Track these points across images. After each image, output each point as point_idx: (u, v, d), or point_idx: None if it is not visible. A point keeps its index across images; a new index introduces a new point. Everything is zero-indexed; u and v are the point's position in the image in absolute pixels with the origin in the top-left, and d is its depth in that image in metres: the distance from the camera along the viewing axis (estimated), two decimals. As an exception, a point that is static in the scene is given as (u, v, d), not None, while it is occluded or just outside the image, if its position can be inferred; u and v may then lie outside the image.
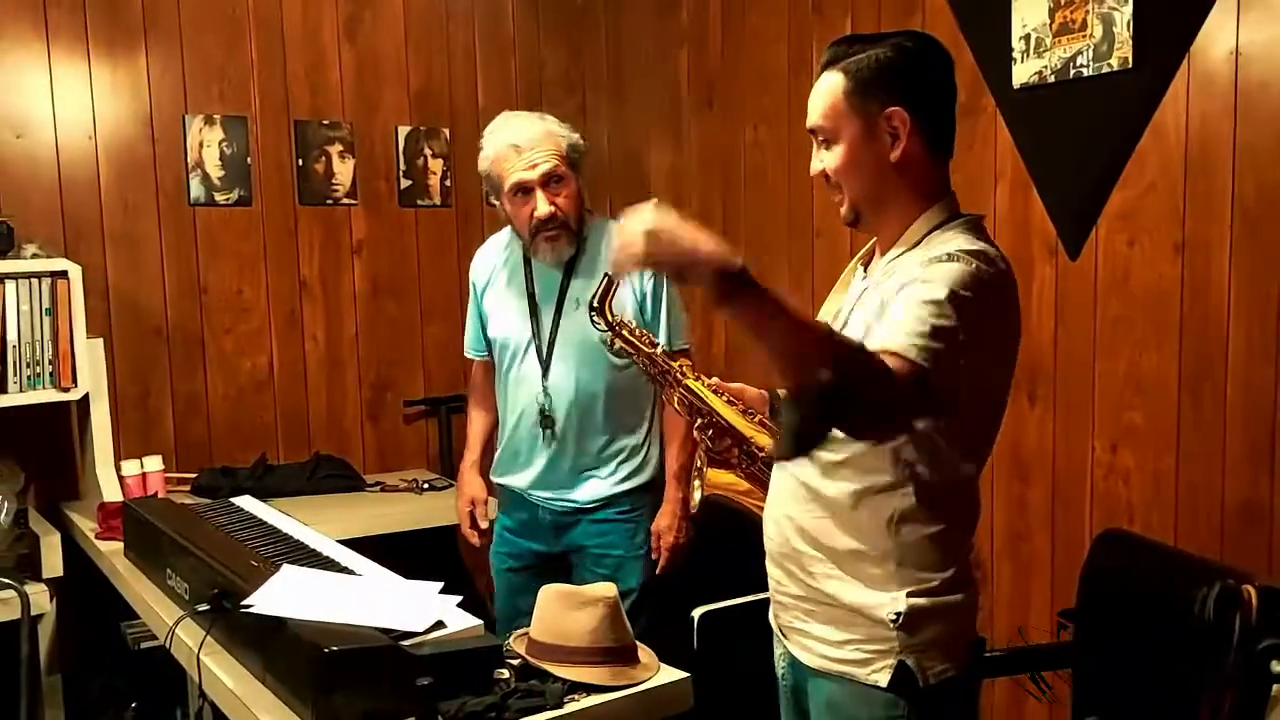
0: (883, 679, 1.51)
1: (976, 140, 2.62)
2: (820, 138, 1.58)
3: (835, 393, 1.31)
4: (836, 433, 1.42)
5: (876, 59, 1.52)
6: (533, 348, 2.51)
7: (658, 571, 2.54)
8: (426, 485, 3.35)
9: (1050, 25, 2.46)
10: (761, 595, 1.73)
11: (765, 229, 3.32)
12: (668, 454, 2.59)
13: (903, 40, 1.55)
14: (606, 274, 1.92)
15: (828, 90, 1.55)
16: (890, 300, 1.46)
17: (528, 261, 2.54)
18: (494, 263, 2.63)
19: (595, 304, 1.93)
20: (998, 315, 1.50)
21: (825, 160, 1.57)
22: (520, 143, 2.39)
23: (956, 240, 1.49)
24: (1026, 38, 2.51)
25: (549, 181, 2.39)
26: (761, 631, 1.76)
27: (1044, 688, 2.24)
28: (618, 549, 2.53)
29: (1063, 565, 2.54)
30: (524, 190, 2.40)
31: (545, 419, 2.49)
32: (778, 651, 1.73)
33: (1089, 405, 2.48)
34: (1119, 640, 2.12)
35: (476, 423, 2.76)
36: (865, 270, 1.65)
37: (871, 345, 1.37)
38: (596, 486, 2.53)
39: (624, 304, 2.47)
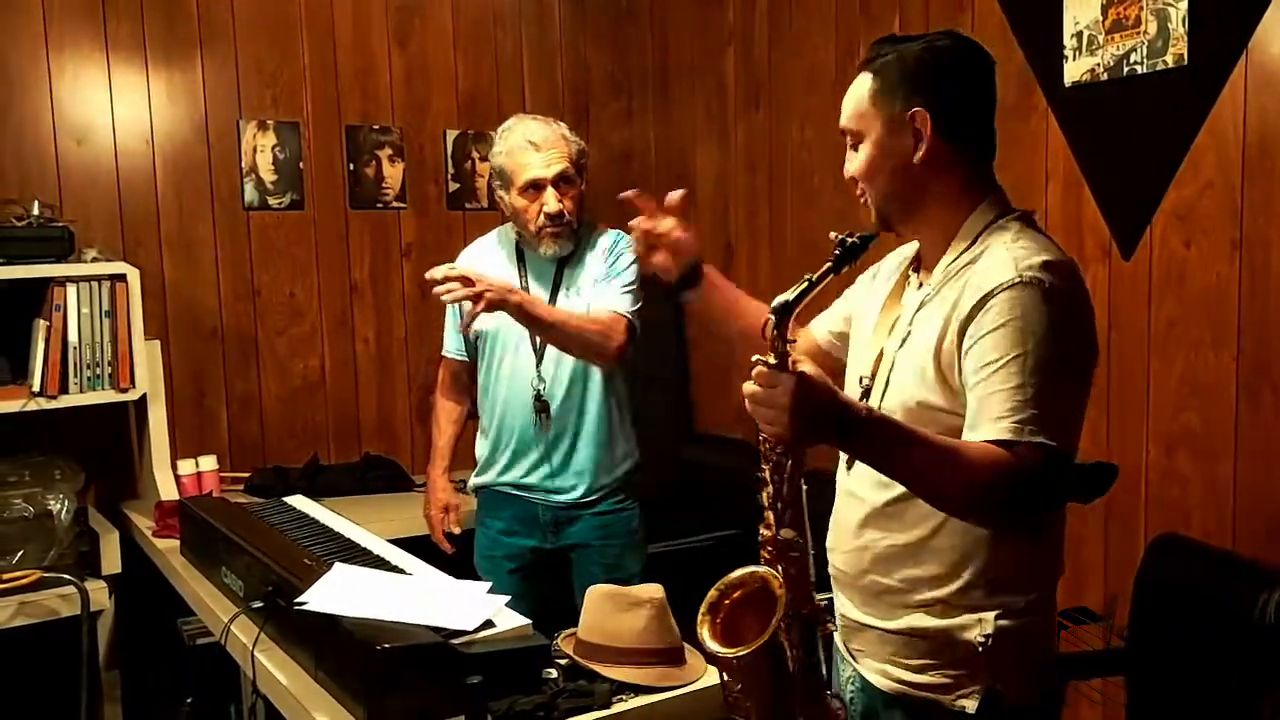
0: (970, 704, 1.45)
1: (1028, 139, 2.59)
2: (850, 140, 1.56)
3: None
4: None
5: (902, 59, 1.49)
6: (526, 336, 2.57)
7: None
8: (475, 486, 3.35)
9: (1103, 22, 2.42)
10: (820, 596, 1.71)
11: (812, 230, 3.31)
12: None
13: (936, 39, 1.51)
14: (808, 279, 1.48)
15: (856, 91, 1.53)
16: (953, 326, 1.42)
17: (520, 257, 2.63)
18: (485, 262, 2.68)
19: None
20: (1076, 334, 1.43)
21: (851, 162, 1.55)
22: (538, 141, 2.50)
23: (1012, 247, 1.43)
24: (1078, 35, 2.47)
25: (559, 181, 2.50)
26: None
27: None
28: (619, 539, 2.62)
29: (1116, 571, 2.50)
30: (536, 186, 2.49)
31: (540, 403, 2.55)
32: (845, 674, 1.65)
33: (1143, 408, 2.44)
34: (1175, 646, 2.08)
35: (446, 430, 2.80)
36: (917, 275, 1.58)
37: (971, 433, 1.36)
38: (597, 476, 2.59)
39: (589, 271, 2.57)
